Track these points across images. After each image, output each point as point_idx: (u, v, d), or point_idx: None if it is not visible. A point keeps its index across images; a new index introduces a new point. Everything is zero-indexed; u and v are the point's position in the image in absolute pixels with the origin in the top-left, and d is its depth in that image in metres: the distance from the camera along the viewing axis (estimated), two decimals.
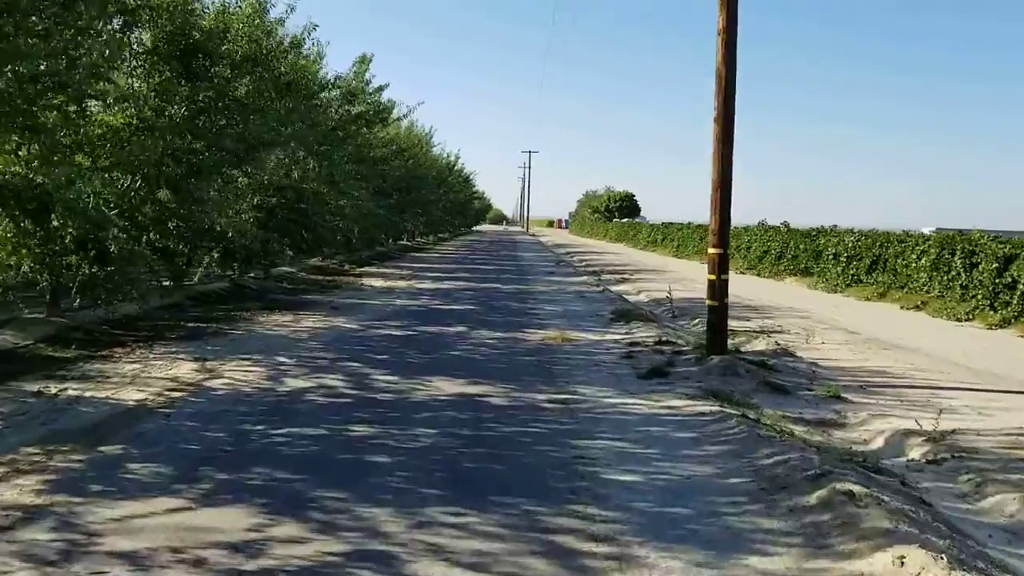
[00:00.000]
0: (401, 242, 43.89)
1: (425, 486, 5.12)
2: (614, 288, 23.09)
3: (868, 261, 21.68)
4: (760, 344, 11.44)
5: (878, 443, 6.85)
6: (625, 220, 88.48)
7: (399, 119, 19.30)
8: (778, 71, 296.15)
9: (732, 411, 7.28)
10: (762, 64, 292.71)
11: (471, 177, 62.15)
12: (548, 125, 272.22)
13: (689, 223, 46.19)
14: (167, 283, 14.92)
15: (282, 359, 9.36)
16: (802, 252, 26.53)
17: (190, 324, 11.76)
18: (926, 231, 26.21)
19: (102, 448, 5.71)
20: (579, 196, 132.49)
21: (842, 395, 8.45)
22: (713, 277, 9.48)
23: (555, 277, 24.95)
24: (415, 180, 27.98)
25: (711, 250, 9.52)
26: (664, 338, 11.51)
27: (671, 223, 52.68)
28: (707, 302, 9.64)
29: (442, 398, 7.68)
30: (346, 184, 14.93)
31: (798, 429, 7.00)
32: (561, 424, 6.87)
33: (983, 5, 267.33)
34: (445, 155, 47.25)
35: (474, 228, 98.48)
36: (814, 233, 26.59)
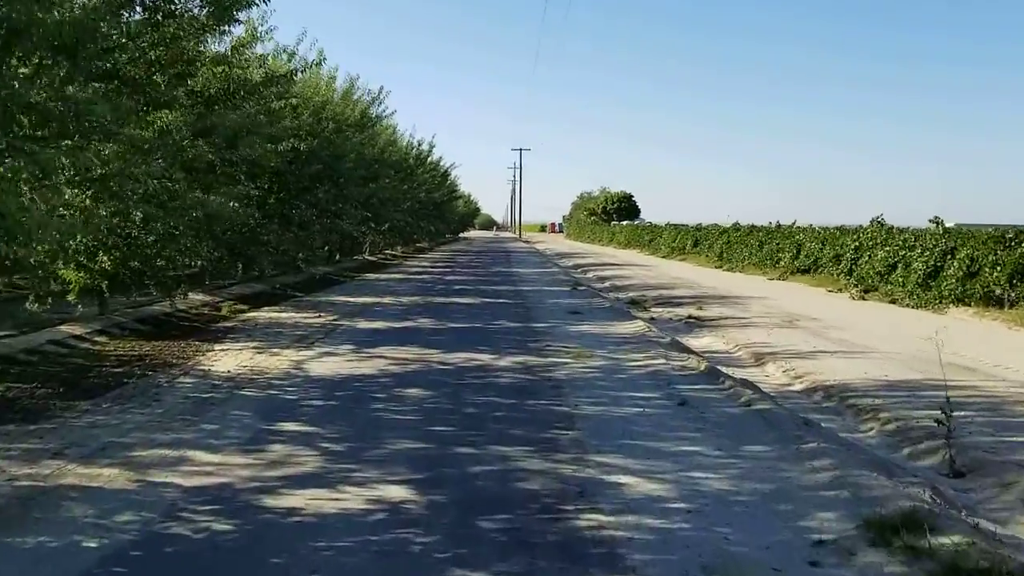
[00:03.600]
0: (358, 257, 33.11)
1: None
2: (695, 344, 12.46)
3: None
4: None
5: None
6: (626, 222, 77.89)
7: (286, 53, 8.65)
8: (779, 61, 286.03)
9: None
10: (757, 55, 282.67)
11: (450, 172, 50.15)
12: (537, 125, 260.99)
13: (736, 224, 35.58)
14: None
15: None
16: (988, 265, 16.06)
17: None
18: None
19: None
20: (572, 198, 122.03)
21: None
22: None
23: (585, 322, 14.22)
24: (333, 160, 16.66)
25: None
26: None
27: (703, 225, 42.08)
28: None
29: None
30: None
31: None
32: None
33: None
34: (415, 142, 36.41)
35: (460, 235, 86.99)
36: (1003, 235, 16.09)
